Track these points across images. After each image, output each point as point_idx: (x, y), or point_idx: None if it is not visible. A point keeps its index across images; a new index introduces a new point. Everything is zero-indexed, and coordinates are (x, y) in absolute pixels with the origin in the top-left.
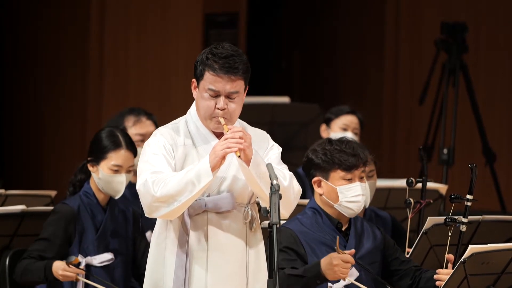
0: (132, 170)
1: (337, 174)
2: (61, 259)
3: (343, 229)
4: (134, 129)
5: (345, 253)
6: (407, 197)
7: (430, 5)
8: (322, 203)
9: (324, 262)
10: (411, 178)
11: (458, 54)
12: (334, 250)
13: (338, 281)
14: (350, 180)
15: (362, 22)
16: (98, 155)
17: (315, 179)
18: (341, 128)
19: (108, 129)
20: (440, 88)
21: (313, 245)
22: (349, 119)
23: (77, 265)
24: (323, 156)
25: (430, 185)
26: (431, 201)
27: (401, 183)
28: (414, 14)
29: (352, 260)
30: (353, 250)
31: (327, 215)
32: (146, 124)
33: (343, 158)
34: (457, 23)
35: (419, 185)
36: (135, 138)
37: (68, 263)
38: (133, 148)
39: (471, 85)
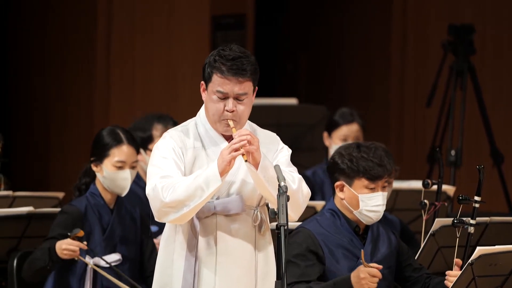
0: (136, 166)
1: (361, 182)
2: (69, 259)
3: (361, 232)
4: None
5: (372, 267)
6: (422, 199)
7: (437, 7)
8: (342, 207)
9: (353, 275)
10: (427, 180)
11: (465, 56)
12: (351, 253)
13: None
14: (373, 190)
15: (369, 24)
16: (100, 154)
17: (338, 183)
18: (341, 139)
19: (108, 128)
20: (447, 90)
21: (332, 247)
22: (347, 129)
23: (81, 238)
24: (349, 162)
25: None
26: (446, 204)
27: (409, 184)
28: (421, 16)
29: (379, 274)
30: (380, 266)
31: (346, 218)
32: None
33: (369, 167)
34: (464, 25)
35: (420, 186)
36: None
37: (72, 237)
38: (134, 144)
39: (479, 86)
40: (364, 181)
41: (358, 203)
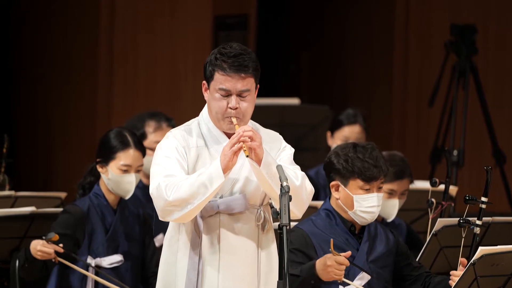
0: (141, 170)
1: (356, 183)
2: (69, 259)
3: (357, 232)
4: (154, 136)
5: (340, 255)
6: (429, 197)
7: (439, 7)
8: (337, 206)
9: (319, 263)
10: (435, 178)
11: (468, 55)
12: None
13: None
14: (368, 190)
15: (371, 24)
16: (107, 156)
17: (333, 183)
18: (342, 140)
19: (116, 130)
20: (450, 90)
21: (326, 248)
22: (349, 130)
23: (57, 242)
24: (345, 162)
25: (441, 186)
26: (452, 204)
27: (411, 185)
28: (423, 16)
29: (346, 262)
30: (349, 252)
31: (341, 218)
32: (166, 131)
33: (364, 168)
34: (466, 25)
35: (423, 186)
36: (155, 145)
37: (47, 240)
38: (141, 148)
39: (481, 86)
40: (359, 182)
41: (352, 203)
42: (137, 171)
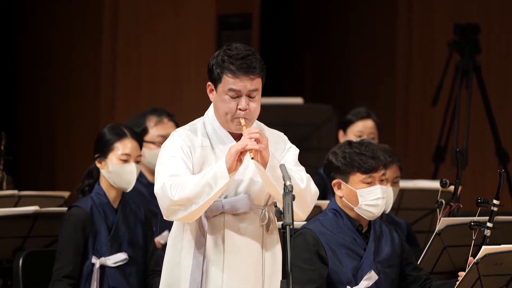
0: (140, 161)
1: (357, 177)
2: (80, 266)
3: (363, 230)
4: (155, 130)
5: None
6: (438, 198)
7: (442, 6)
8: (342, 205)
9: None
10: (445, 179)
11: (471, 55)
12: (354, 253)
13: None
14: (370, 184)
15: (374, 23)
16: (104, 149)
17: (335, 181)
18: (356, 135)
19: (109, 125)
20: (453, 89)
21: (334, 247)
22: (363, 125)
23: None
24: (343, 159)
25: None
26: (461, 206)
27: (414, 184)
28: (426, 15)
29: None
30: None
31: (348, 217)
32: (168, 125)
33: (362, 161)
34: (470, 24)
35: (426, 185)
36: (156, 139)
37: None
38: (138, 138)
39: (484, 86)
40: (360, 176)
41: (357, 199)
42: (137, 161)
